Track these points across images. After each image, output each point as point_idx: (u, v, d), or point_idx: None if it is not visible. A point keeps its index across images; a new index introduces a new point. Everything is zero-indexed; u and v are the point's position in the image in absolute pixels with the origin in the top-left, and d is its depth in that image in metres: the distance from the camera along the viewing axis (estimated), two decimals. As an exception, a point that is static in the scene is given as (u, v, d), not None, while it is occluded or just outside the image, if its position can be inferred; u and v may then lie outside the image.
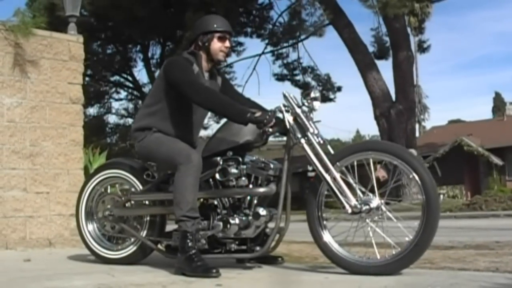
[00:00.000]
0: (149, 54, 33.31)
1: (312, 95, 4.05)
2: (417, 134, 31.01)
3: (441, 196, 29.49)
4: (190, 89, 4.17)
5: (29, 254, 5.55)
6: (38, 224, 6.68)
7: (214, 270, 3.80)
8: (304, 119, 3.98)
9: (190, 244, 3.97)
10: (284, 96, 4.06)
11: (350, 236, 3.88)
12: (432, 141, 37.09)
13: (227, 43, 4.42)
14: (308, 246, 5.80)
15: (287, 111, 4.02)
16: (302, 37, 29.59)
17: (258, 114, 3.95)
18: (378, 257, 3.78)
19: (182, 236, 4.01)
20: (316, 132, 3.98)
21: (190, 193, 4.03)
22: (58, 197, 6.86)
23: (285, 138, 4.19)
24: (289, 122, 4.00)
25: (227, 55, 4.50)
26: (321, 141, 3.98)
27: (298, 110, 4.00)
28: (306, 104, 4.04)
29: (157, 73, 30.74)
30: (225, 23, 4.44)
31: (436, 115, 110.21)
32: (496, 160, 34.38)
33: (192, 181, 4.03)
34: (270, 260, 4.46)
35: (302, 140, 3.96)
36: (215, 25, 4.38)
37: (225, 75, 4.82)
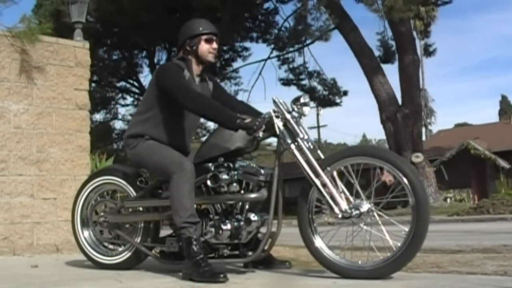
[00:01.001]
0: (155, 60, 33.41)
1: (302, 100, 4.06)
2: (423, 138, 30.93)
3: (448, 200, 29.43)
4: (181, 94, 4.19)
5: (36, 260, 5.56)
6: (45, 230, 6.70)
7: (221, 275, 3.80)
8: (294, 125, 3.99)
9: (195, 249, 3.97)
10: (274, 101, 4.08)
11: (344, 241, 3.89)
12: (439, 144, 37.01)
13: (214, 44, 4.45)
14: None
15: (277, 117, 4.03)
16: (308, 41, 29.61)
17: (247, 120, 3.96)
18: (380, 257, 3.78)
19: (187, 242, 4.01)
20: (306, 137, 3.99)
21: (187, 199, 4.04)
22: (65, 203, 6.87)
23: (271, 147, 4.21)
24: (279, 127, 4.01)
25: (216, 56, 4.53)
26: (311, 146, 4.00)
27: (288, 116, 4.01)
28: (296, 109, 4.05)
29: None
30: (210, 25, 4.49)
31: (443, 118, 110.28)
32: (503, 163, 34.29)
33: (188, 187, 4.05)
34: (277, 265, 4.46)
35: (292, 146, 3.97)
36: (200, 28, 4.42)
37: (217, 80, 4.84)
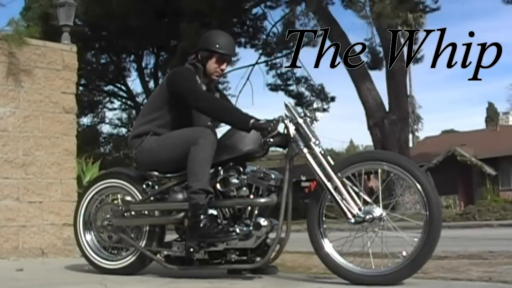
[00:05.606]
0: (143, 64, 33.41)
1: (315, 105, 4.11)
2: (410, 144, 31.02)
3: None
4: (193, 96, 4.19)
5: (22, 264, 5.52)
6: (31, 234, 6.65)
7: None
8: (306, 129, 4.01)
9: (202, 217, 4.04)
10: (286, 106, 4.08)
11: (345, 246, 3.88)
12: (426, 151, 37.13)
13: (224, 66, 4.43)
14: (301, 256, 5.79)
15: (290, 121, 4.04)
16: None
17: (261, 121, 3.99)
18: (373, 266, 3.78)
19: (195, 208, 4.06)
20: (318, 142, 4.00)
21: (207, 166, 4.08)
22: (51, 207, 6.84)
23: (280, 150, 4.21)
24: (291, 132, 4.02)
25: (221, 75, 4.52)
26: (322, 151, 4.00)
27: (301, 120, 4.03)
28: (308, 114, 4.07)
29: (151, 83, 30.52)
30: (228, 45, 4.44)
31: (430, 125, 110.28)
32: (489, 170, 34.46)
33: (211, 153, 4.08)
34: (264, 270, 4.44)
35: (305, 150, 3.97)
36: (217, 45, 4.35)
37: (222, 91, 4.86)
